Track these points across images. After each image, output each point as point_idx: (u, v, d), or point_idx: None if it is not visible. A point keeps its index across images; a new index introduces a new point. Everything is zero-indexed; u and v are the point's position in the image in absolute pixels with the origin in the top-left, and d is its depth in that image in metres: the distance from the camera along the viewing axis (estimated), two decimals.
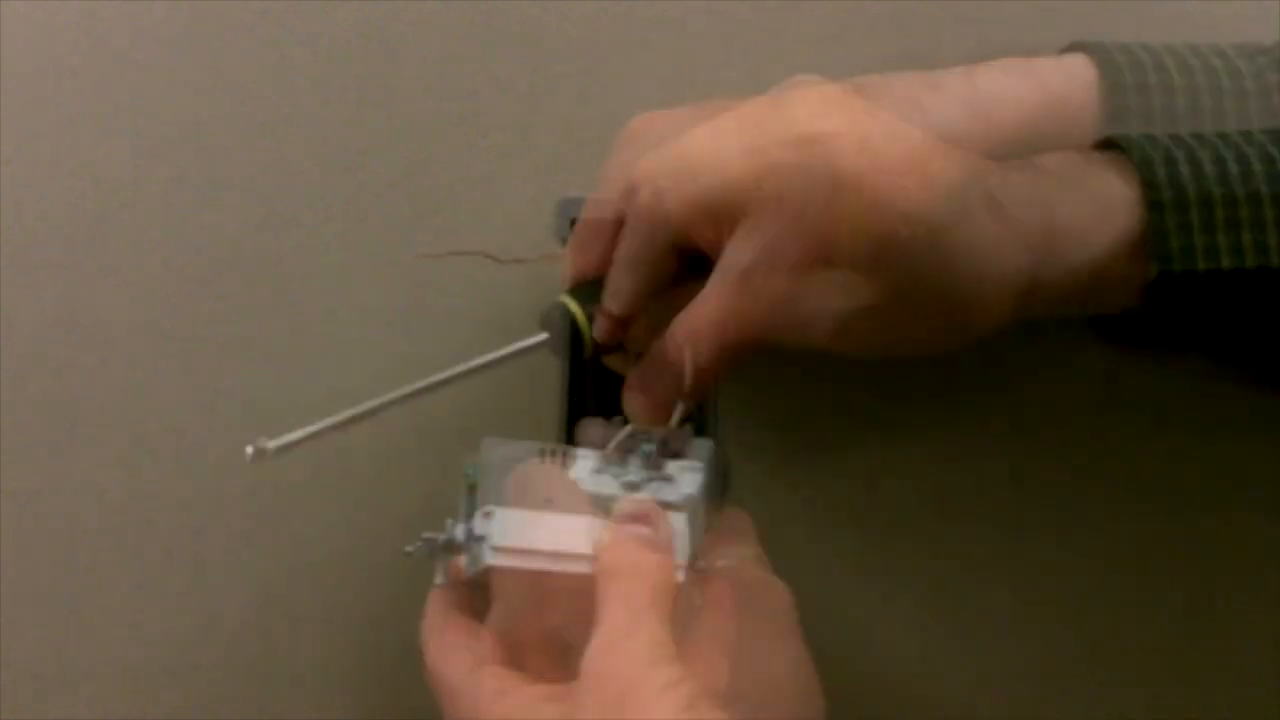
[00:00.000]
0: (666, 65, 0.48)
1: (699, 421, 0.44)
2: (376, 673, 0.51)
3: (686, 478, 0.40)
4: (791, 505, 0.51)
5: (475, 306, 0.50)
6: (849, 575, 0.51)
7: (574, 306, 0.43)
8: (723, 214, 0.39)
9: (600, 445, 0.41)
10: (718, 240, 0.40)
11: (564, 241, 0.49)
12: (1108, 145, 0.41)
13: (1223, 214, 0.39)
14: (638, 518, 0.38)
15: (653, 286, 0.42)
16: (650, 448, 0.41)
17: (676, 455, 0.42)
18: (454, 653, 0.39)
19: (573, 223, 0.49)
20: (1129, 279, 0.40)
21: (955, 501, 0.51)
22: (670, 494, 0.40)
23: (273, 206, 0.49)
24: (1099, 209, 0.39)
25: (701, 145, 0.40)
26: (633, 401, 0.43)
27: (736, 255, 0.39)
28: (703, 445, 0.42)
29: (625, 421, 0.42)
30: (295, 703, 0.51)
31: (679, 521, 0.39)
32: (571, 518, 0.38)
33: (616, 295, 0.42)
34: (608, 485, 0.40)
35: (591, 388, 0.45)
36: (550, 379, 0.50)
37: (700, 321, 0.40)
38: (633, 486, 0.40)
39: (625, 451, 0.41)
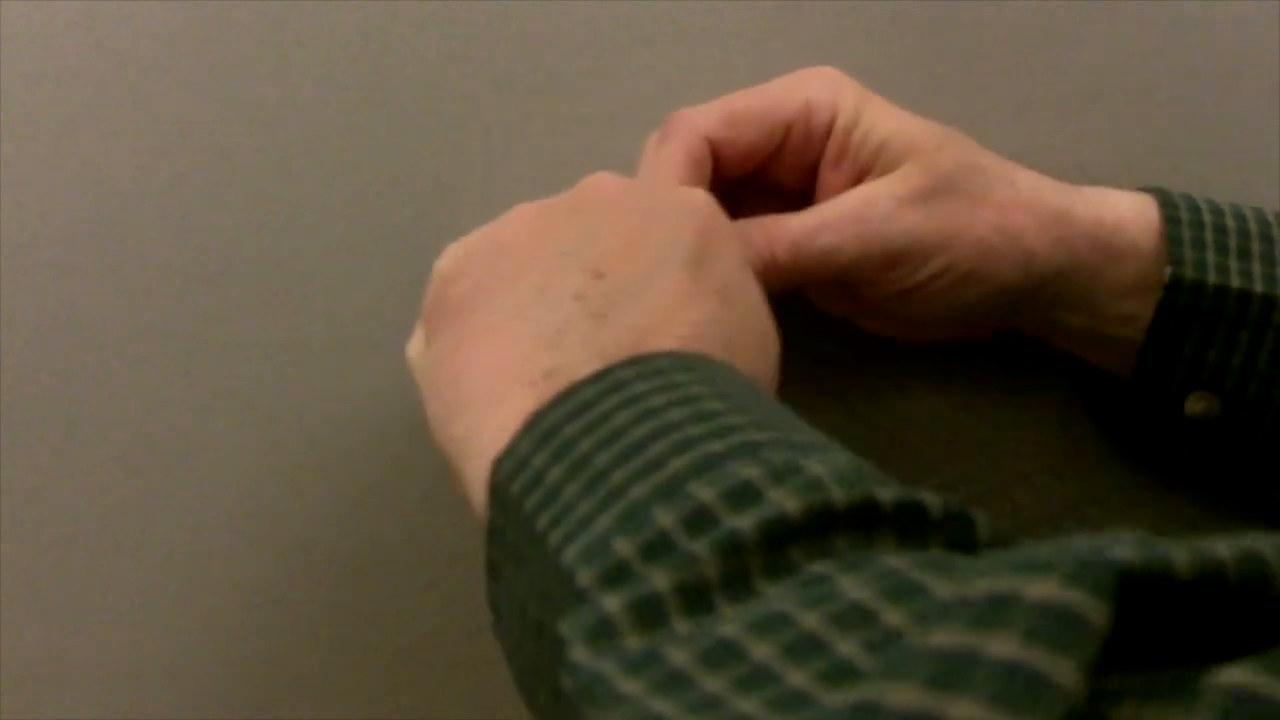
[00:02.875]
0: (666, 65, 0.48)
1: None
2: (376, 673, 0.51)
3: None
4: None
5: None
6: None
7: None
8: (890, 152, 0.42)
9: None
10: (850, 175, 0.43)
11: None
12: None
13: (1236, 243, 0.43)
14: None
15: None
16: None
17: None
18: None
19: None
20: (1136, 290, 0.43)
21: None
22: None
23: (273, 206, 0.49)
24: (1118, 217, 0.43)
25: (890, 105, 0.44)
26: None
27: (877, 186, 0.42)
28: None
29: None
30: (295, 703, 0.51)
31: None
32: None
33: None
34: None
35: None
36: None
37: (802, 221, 0.42)
38: None
39: None
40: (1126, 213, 0.43)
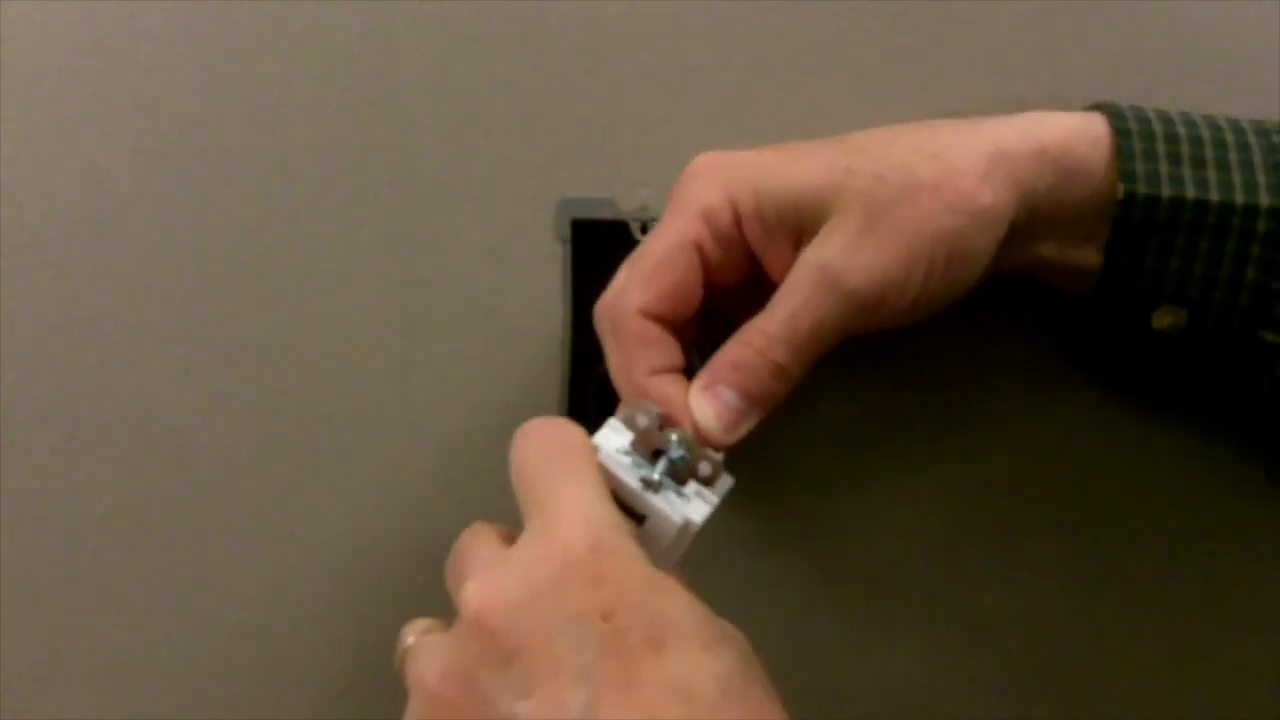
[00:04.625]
0: (666, 65, 0.48)
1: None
2: (376, 673, 0.51)
3: (697, 503, 0.40)
4: (789, 507, 0.51)
5: (475, 307, 0.50)
6: (848, 576, 0.51)
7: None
8: (807, 209, 0.41)
9: (643, 433, 0.41)
10: (784, 244, 0.42)
11: (564, 241, 0.49)
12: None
13: (1189, 150, 0.42)
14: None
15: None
16: (682, 454, 0.40)
17: (699, 479, 0.41)
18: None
19: (573, 223, 0.49)
20: (1097, 210, 0.42)
21: (956, 507, 0.51)
22: (677, 509, 0.39)
23: (273, 206, 0.49)
24: (1059, 138, 0.42)
25: (780, 155, 0.43)
26: (703, 407, 0.42)
27: (817, 250, 0.41)
28: (725, 482, 0.41)
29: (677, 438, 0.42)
30: (295, 703, 0.51)
31: (668, 533, 0.39)
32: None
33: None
34: (627, 472, 0.39)
35: (592, 392, 0.45)
36: (551, 378, 0.50)
37: (776, 319, 0.41)
38: (650, 486, 0.39)
39: (657, 447, 0.40)
40: (1069, 132, 0.42)
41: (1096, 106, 0.44)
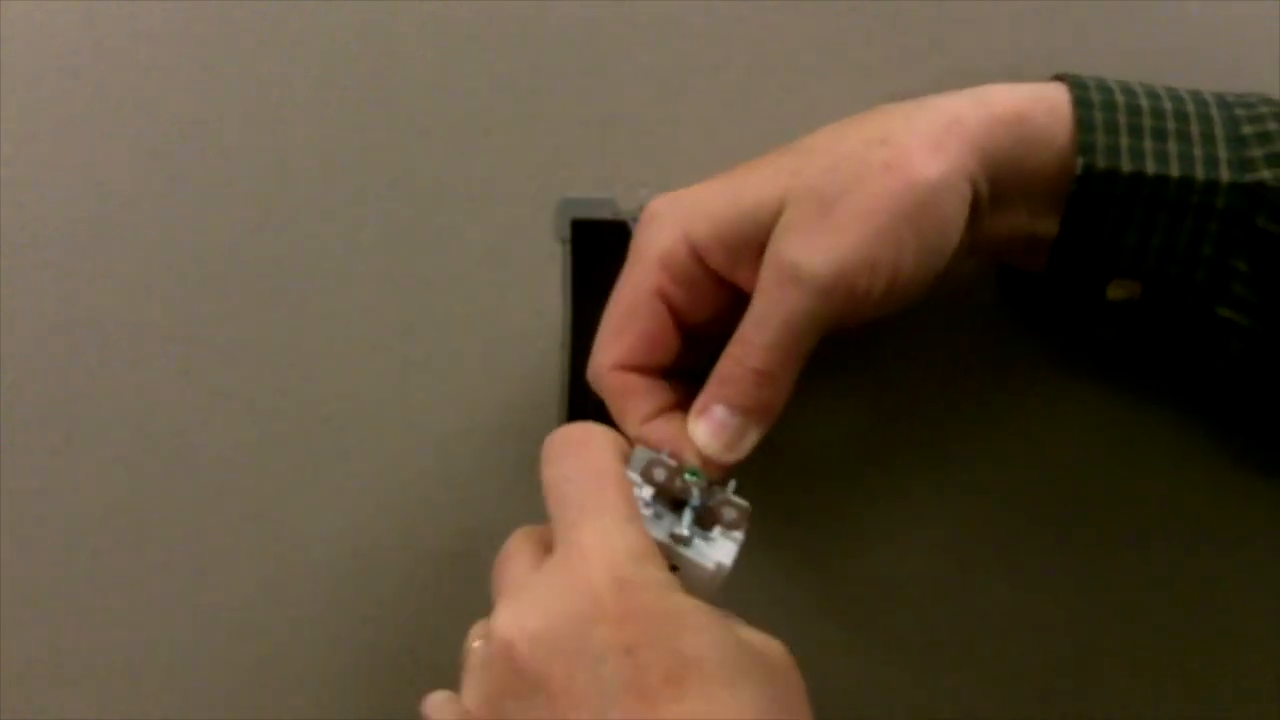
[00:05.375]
0: (666, 65, 0.48)
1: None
2: (376, 673, 0.51)
3: (724, 544, 0.40)
4: (789, 508, 0.51)
5: (475, 307, 0.50)
6: (848, 576, 0.51)
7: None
8: (763, 223, 0.41)
9: (663, 486, 0.40)
10: (751, 262, 0.41)
11: (564, 241, 0.49)
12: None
13: (1150, 123, 0.42)
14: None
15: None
16: (703, 502, 0.40)
17: (725, 524, 0.41)
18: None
19: (573, 223, 0.49)
20: (1063, 179, 0.41)
21: (956, 508, 0.51)
22: (707, 555, 0.40)
23: (273, 206, 0.49)
24: (1014, 109, 0.42)
25: (729, 179, 0.43)
26: (699, 431, 0.42)
27: (775, 249, 0.41)
28: (741, 506, 0.41)
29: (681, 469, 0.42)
30: (295, 703, 0.51)
31: (701, 578, 0.39)
32: None
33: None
34: (655, 528, 0.39)
35: (592, 392, 0.45)
36: (551, 378, 0.50)
37: (747, 324, 0.41)
38: (680, 541, 0.39)
39: (674, 500, 0.40)
40: (1023, 100, 0.42)
41: (1059, 77, 0.44)
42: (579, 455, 0.40)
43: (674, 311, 0.43)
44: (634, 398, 0.43)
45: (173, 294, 0.49)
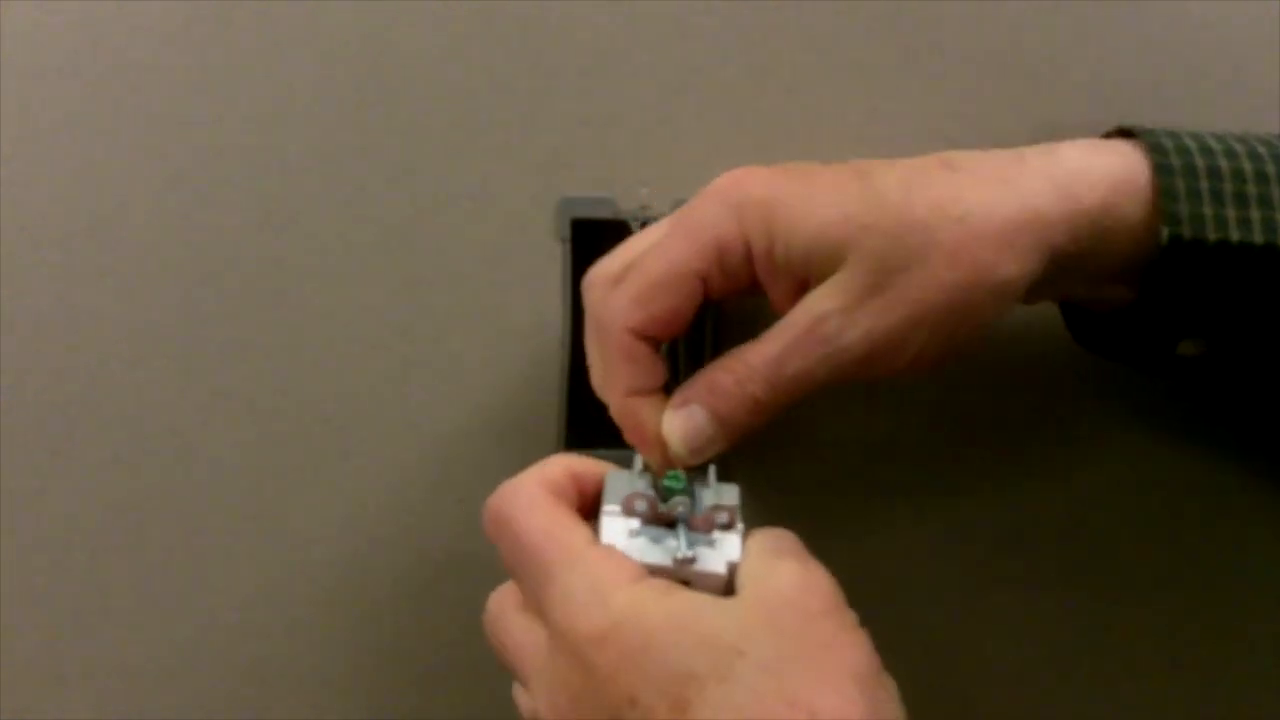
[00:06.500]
0: (666, 65, 0.48)
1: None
2: (376, 673, 0.51)
3: (728, 541, 0.40)
4: (789, 509, 0.51)
5: (475, 307, 0.50)
6: (847, 577, 0.51)
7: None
8: (817, 261, 0.40)
9: (648, 515, 0.40)
10: (791, 286, 0.41)
11: (564, 241, 0.49)
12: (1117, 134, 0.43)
13: (1231, 188, 0.40)
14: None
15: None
16: (685, 510, 0.40)
17: (708, 524, 0.40)
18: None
19: (572, 223, 0.49)
20: (1133, 256, 0.41)
21: (956, 508, 0.51)
22: (714, 561, 0.39)
23: (273, 206, 0.49)
24: (1100, 196, 0.40)
25: (800, 191, 0.41)
26: (673, 424, 0.42)
27: (819, 301, 0.40)
28: (729, 491, 0.41)
29: (646, 467, 0.42)
30: (295, 703, 0.51)
31: (715, 585, 0.39)
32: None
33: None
34: (657, 556, 0.39)
35: (592, 392, 0.45)
36: (551, 378, 0.50)
37: (761, 354, 0.41)
38: (687, 562, 0.39)
39: (659, 515, 0.40)
40: (1112, 185, 0.40)
41: (1129, 133, 0.42)
42: (509, 528, 0.40)
43: (705, 295, 0.42)
44: (632, 365, 0.42)
45: (172, 294, 0.49)
